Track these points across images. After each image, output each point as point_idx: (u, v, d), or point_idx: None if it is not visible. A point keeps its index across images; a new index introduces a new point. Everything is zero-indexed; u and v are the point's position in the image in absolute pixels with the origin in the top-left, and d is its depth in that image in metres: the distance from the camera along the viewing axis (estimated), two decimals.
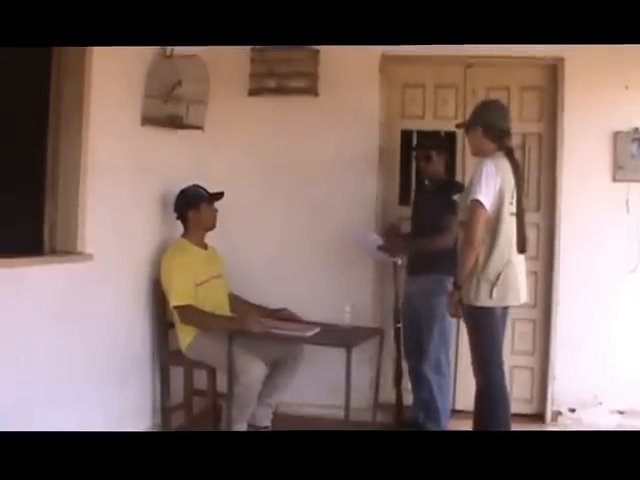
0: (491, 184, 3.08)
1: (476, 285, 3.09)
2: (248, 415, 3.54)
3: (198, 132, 3.89)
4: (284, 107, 4.29)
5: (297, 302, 3.88)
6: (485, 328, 3.16)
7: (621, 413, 4.05)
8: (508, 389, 3.28)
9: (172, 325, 3.68)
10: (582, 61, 3.95)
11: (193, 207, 3.70)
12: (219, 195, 3.76)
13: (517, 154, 3.43)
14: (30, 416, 2.76)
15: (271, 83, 4.27)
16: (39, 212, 3.16)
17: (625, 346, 4.04)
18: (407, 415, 3.97)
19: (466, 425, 3.38)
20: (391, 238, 3.97)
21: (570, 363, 4.07)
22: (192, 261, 3.64)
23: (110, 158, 3.32)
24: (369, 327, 3.88)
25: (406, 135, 4.35)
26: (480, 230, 3.07)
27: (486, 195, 3.07)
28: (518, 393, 4.06)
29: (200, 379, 3.76)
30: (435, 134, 4.24)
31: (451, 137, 4.22)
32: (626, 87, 3.99)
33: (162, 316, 3.73)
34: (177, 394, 3.77)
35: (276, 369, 3.64)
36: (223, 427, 3.55)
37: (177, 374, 3.76)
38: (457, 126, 3.66)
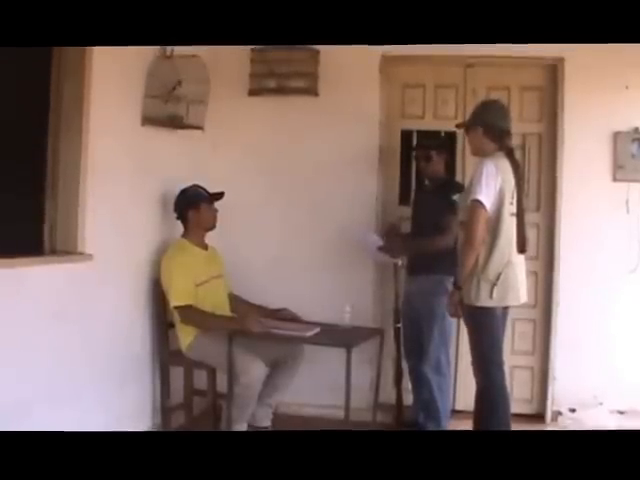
0: (491, 184, 3.08)
1: (476, 285, 3.09)
2: (248, 415, 3.55)
3: (198, 132, 3.89)
4: (284, 107, 4.29)
5: (297, 302, 3.88)
6: (485, 328, 3.17)
7: (621, 413, 4.05)
8: (508, 389, 3.28)
9: (172, 325, 3.69)
10: (582, 61, 3.95)
11: (193, 207, 3.70)
12: (219, 195, 3.76)
13: (517, 154, 3.43)
14: (30, 416, 2.76)
15: (271, 83, 4.27)
16: (39, 212, 3.16)
17: (625, 346, 4.05)
18: (407, 415, 3.97)
19: (466, 425, 3.38)
20: (391, 238, 3.97)
21: (570, 363, 4.07)
22: (192, 261, 3.64)
23: (110, 158, 3.32)
24: (369, 327, 3.88)
25: (406, 135, 4.35)
26: (480, 230, 3.07)
27: (486, 195, 3.07)
28: (518, 393, 4.07)
29: (200, 379, 3.76)
30: (435, 134, 4.24)
31: (451, 137, 4.22)
32: (626, 87, 3.99)
33: (162, 316, 3.73)
34: (177, 394, 3.77)
35: (276, 369, 3.64)
36: (223, 427, 3.55)
37: (177, 374, 3.76)
38: (457, 126, 3.66)
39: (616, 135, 4.04)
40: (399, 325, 3.98)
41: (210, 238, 3.84)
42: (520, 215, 3.17)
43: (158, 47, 3.56)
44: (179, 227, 3.77)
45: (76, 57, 3.10)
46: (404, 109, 4.35)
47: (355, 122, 4.22)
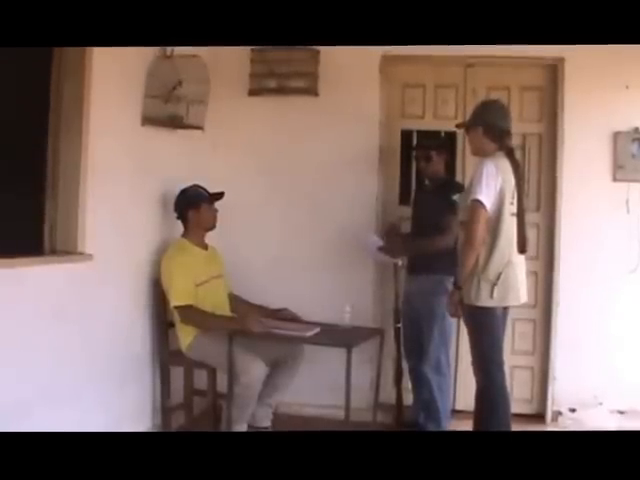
0: (491, 184, 3.08)
1: (477, 285, 3.09)
2: (248, 415, 3.54)
3: (198, 132, 3.89)
4: (284, 107, 4.29)
5: (297, 302, 3.88)
6: (485, 328, 3.16)
7: (621, 413, 4.05)
8: (508, 389, 3.28)
9: (172, 325, 3.69)
10: (582, 61, 3.95)
11: (193, 207, 3.70)
12: (219, 195, 3.76)
13: (517, 154, 3.43)
14: (30, 416, 2.76)
15: (271, 83, 4.27)
16: (39, 212, 3.16)
17: (625, 346, 4.04)
18: (407, 415, 3.97)
19: (466, 425, 3.38)
20: (391, 238, 3.97)
21: (570, 363, 4.07)
22: (192, 261, 3.64)
23: (110, 158, 3.32)
24: (369, 327, 3.88)
25: (406, 135, 4.35)
26: (481, 230, 3.07)
27: (486, 195, 3.07)
28: (518, 393, 4.07)
29: (200, 379, 3.76)
30: (435, 134, 4.24)
31: (451, 137, 4.22)
32: (626, 87, 3.99)
33: (162, 316, 3.73)
34: (177, 394, 3.77)
35: (276, 369, 3.64)
36: (223, 427, 3.55)
37: (177, 374, 3.76)
38: (457, 126, 3.66)
39: (616, 135, 4.04)
40: (399, 325, 3.98)
41: (210, 238, 3.84)
42: (520, 215, 3.17)
43: (158, 47, 3.56)
44: (179, 227, 3.77)
45: (76, 57, 3.10)
46: (404, 109, 4.35)
47: (355, 122, 4.22)
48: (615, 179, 4.05)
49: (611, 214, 4.05)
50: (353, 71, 4.20)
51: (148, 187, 3.71)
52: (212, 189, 3.76)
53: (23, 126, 3.08)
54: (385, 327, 3.95)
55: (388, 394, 4.03)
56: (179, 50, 3.54)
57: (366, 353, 3.83)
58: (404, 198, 4.34)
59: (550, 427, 4.08)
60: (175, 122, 3.74)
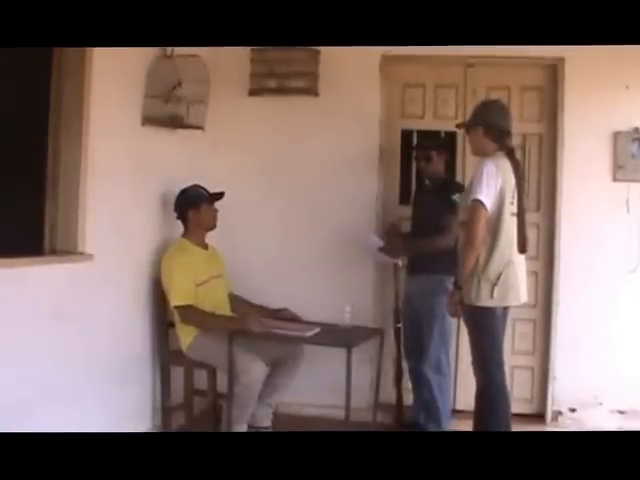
0: (492, 184, 3.08)
1: (477, 285, 3.09)
2: (248, 415, 3.55)
3: (198, 132, 3.89)
4: (284, 107, 4.29)
5: (297, 302, 3.88)
6: (486, 328, 3.16)
7: (621, 413, 4.05)
8: (508, 389, 3.28)
9: (172, 325, 3.69)
10: (582, 61, 3.95)
11: (193, 207, 3.70)
12: (219, 195, 3.76)
13: (517, 154, 3.43)
14: (30, 416, 2.76)
15: (271, 83, 4.27)
16: (39, 212, 3.16)
17: (625, 346, 4.04)
18: (407, 415, 3.97)
19: (466, 425, 3.38)
20: (391, 238, 3.97)
21: (570, 363, 4.07)
22: (192, 261, 3.64)
23: (110, 158, 3.32)
24: (369, 327, 3.88)
25: (406, 135, 4.35)
26: (481, 230, 3.07)
27: (487, 195, 3.07)
28: (518, 393, 4.07)
29: (200, 379, 3.76)
30: (435, 134, 4.24)
31: (451, 137, 4.22)
32: (626, 87, 3.99)
33: (162, 316, 3.73)
34: (177, 394, 3.77)
35: (276, 369, 3.64)
36: (223, 427, 3.55)
37: (177, 374, 3.76)
38: (458, 126, 3.66)
39: (616, 135, 4.03)
40: (399, 325, 3.98)
41: (210, 238, 3.84)
42: (521, 215, 3.17)
43: (158, 47, 3.55)
44: (179, 227, 3.77)
45: (76, 57, 3.10)
46: (404, 109, 4.35)
47: (355, 122, 4.22)
48: (615, 179, 4.05)
49: (611, 214, 4.05)
50: (353, 71, 4.20)
51: (148, 187, 3.71)
52: (212, 189, 3.76)
53: (23, 126, 3.08)
54: (385, 327, 3.96)
55: (388, 394, 4.03)
56: (179, 50, 3.54)
57: (366, 353, 3.83)
58: (404, 198, 4.34)
59: (550, 427, 4.08)
60: (175, 122, 3.74)
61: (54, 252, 3.17)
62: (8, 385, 2.71)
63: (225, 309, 3.78)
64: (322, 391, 4.01)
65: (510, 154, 3.22)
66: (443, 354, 3.80)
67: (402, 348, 3.98)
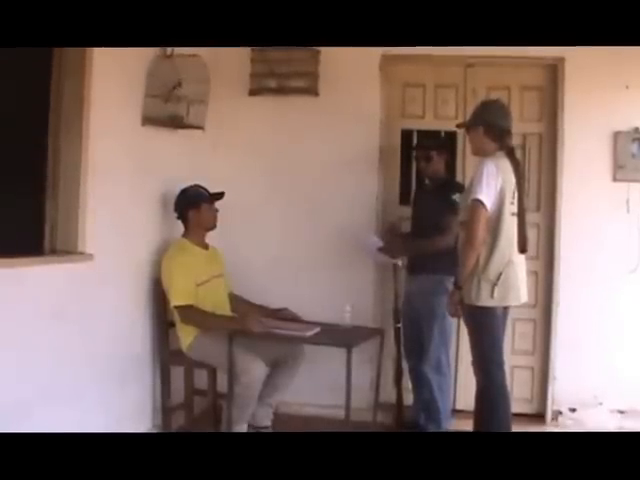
0: (492, 184, 3.08)
1: (477, 285, 3.09)
2: (248, 415, 3.55)
3: (198, 132, 3.88)
4: (284, 107, 4.29)
5: (297, 302, 3.88)
6: (486, 328, 3.16)
7: (621, 413, 4.05)
8: (508, 389, 3.28)
9: (173, 325, 3.68)
10: (582, 61, 3.95)
11: (194, 207, 3.70)
12: (219, 195, 3.76)
13: (517, 154, 3.43)
14: (30, 416, 2.76)
15: (271, 83, 4.27)
16: (40, 212, 3.16)
17: (625, 346, 4.04)
18: (407, 415, 3.97)
19: (466, 425, 3.38)
20: (391, 238, 3.97)
21: (570, 363, 4.07)
22: (193, 261, 3.64)
23: (110, 158, 3.32)
24: (369, 327, 3.88)
25: (406, 135, 4.35)
26: (481, 230, 3.07)
27: (487, 195, 3.07)
28: (518, 393, 4.06)
29: (201, 379, 3.76)
30: (435, 134, 4.24)
31: (451, 137, 4.22)
32: (626, 87, 3.99)
33: (163, 316, 3.73)
34: (178, 394, 3.76)
35: (276, 369, 3.64)
36: (224, 427, 3.55)
37: (178, 374, 3.76)
38: (458, 126, 3.66)
39: (616, 135, 4.03)
40: (399, 325, 3.98)
41: (210, 238, 3.84)
42: (521, 215, 3.17)
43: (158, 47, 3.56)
44: (179, 227, 3.77)
45: (76, 57, 3.10)
46: (404, 109, 4.35)
47: (355, 122, 4.22)
48: (615, 179, 4.05)
49: (611, 214, 4.05)
50: (353, 71, 4.20)
51: (148, 187, 3.71)
52: (212, 189, 3.76)
53: (23, 126, 3.08)
54: (385, 327, 3.96)
55: (388, 394, 4.03)
56: (179, 50, 3.54)
57: (366, 353, 3.83)
58: (404, 198, 4.34)
59: (550, 427, 4.08)
60: (175, 122, 3.74)
61: (54, 252, 3.16)
62: (8, 385, 2.71)
63: (225, 309, 3.78)
64: (322, 391, 4.01)
65: (510, 154, 3.22)
66: (443, 354, 3.80)
67: (402, 348, 3.98)
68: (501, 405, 3.17)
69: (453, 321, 3.69)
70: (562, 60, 4.04)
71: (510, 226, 3.13)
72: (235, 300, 3.88)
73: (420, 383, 3.85)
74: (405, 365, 3.97)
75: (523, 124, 4.06)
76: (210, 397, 3.75)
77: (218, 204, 3.78)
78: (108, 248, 3.29)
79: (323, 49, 4.12)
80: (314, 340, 3.49)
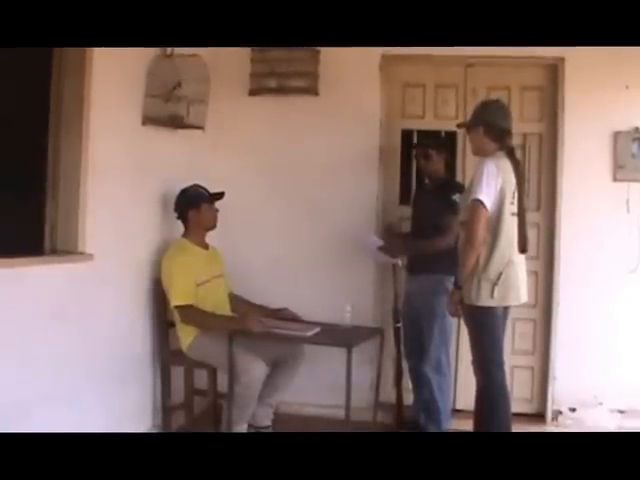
0: (492, 184, 3.08)
1: (477, 285, 3.09)
2: (249, 415, 3.55)
3: (199, 132, 3.88)
4: (284, 107, 4.29)
5: (297, 302, 3.88)
6: (486, 328, 3.17)
7: (621, 413, 4.05)
8: (508, 388, 3.28)
9: (173, 325, 3.69)
10: (582, 61, 3.95)
11: (194, 207, 3.70)
12: (220, 195, 3.76)
13: (518, 154, 3.43)
14: (30, 417, 2.76)
15: (272, 83, 4.27)
16: (40, 212, 3.16)
17: (625, 346, 4.04)
18: (408, 415, 3.97)
19: (466, 425, 3.38)
20: (391, 238, 3.97)
21: (570, 363, 4.07)
22: (193, 261, 3.64)
23: (111, 158, 3.32)
24: (369, 327, 3.88)
25: (406, 135, 4.35)
26: (481, 230, 3.07)
27: (487, 195, 3.07)
28: (518, 393, 4.06)
29: (201, 379, 3.76)
30: (435, 133, 4.24)
31: (452, 137, 4.21)
32: (626, 87, 3.99)
33: (163, 316, 3.73)
34: (178, 394, 3.77)
35: (277, 369, 3.64)
36: (224, 427, 3.55)
37: (178, 374, 3.76)
38: (458, 126, 3.66)
39: (616, 135, 4.03)
40: (399, 325, 3.98)
41: (210, 238, 3.84)
42: (521, 215, 3.17)
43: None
44: (179, 227, 3.77)
45: (76, 57, 3.10)
46: (404, 109, 4.35)
47: (355, 122, 4.22)
48: (615, 179, 4.05)
49: (611, 214, 4.05)
50: (353, 71, 4.20)
51: (148, 187, 3.71)
52: (212, 189, 3.76)
53: (23, 126, 3.08)
54: (385, 327, 3.95)
55: (388, 394, 4.03)
56: (179, 50, 3.54)
57: (366, 353, 3.83)
58: (404, 198, 4.34)
59: (550, 427, 4.08)
60: (175, 122, 3.74)
61: (54, 252, 3.16)
62: (8, 385, 2.71)
63: (225, 309, 3.78)
64: (322, 391, 4.01)
65: (510, 154, 3.22)
66: (443, 354, 3.80)
67: (402, 348, 3.98)
68: (501, 405, 3.17)
69: (453, 321, 3.69)
70: (562, 60, 4.04)
71: (510, 226, 3.13)
72: (235, 300, 3.88)
73: (420, 383, 3.85)
74: (405, 365, 3.97)
75: (523, 124, 4.06)
76: (210, 397, 3.75)
77: (218, 204, 3.78)
78: (108, 248, 3.29)
79: (323, 49, 4.12)
80: (314, 340, 3.49)
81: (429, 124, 4.31)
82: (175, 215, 3.76)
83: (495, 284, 3.08)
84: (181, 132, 3.85)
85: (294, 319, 3.72)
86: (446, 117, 4.24)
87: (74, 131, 3.14)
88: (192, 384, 3.77)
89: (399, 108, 4.35)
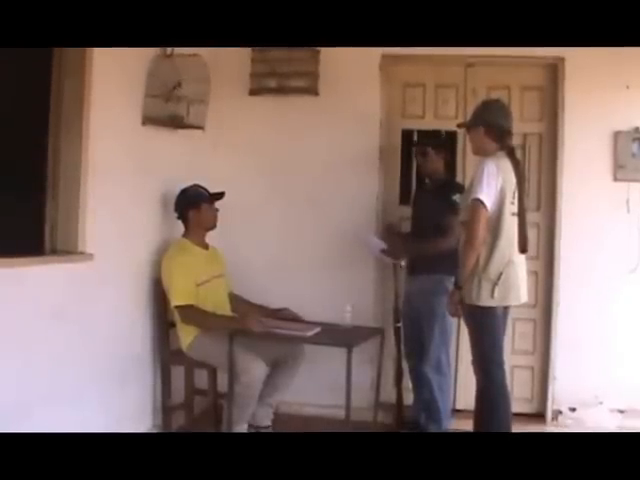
0: (492, 184, 3.08)
1: (477, 285, 3.09)
2: (249, 415, 3.55)
3: (199, 132, 3.89)
4: (284, 107, 4.29)
5: (298, 302, 3.88)
6: (486, 328, 3.17)
7: (621, 412, 4.05)
8: (509, 388, 3.28)
9: (173, 325, 3.69)
10: (582, 61, 3.94)
11: (194, 207, 3.70)
12: (220, 195, 3.76)
13: (518, 154, 3.43)
14: (30, 417, 2.76)
15: (272, 83, 4.27)
16: (40, 212, 3.16)
17: (625, 346, 4.04)
18: (408, 415, 3.97)
19: (466, 425, 3.38)
20: (391, 239, 3.97)
21: (570, 363, 4.07)
22: (193, 261, 3.64)
23: (111, 158, 3.32)
24: (370, 327, 3.87)
25: (407, 134, 4.35)
26: (481, 230, 3.07)
27: (487, 195, 3.07)
28: (519, 392, 4.06)
29: (201, 379, 3.76)
30: (435, 133, 4.22)
31: (452, 137, 4.21)
32: (626, 87, 3.99)
33: (163, 316, 3.73)
34: (178, 394, 3.77)
35: (277, 369, 3.64)
36: (224, 427, 3.55)
37: (178, 374, 3.76)
38: (458, 126, 3.66)
39: (616, 135, 4.03)
40: (399, 325, 3.98)
41: (210, 238, 3.84)
42: (521, 215, 3.17)
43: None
44: (179, 227, 3.77)
45: (76, 57, 3.10)
46: (405, 108, 4.35)
47: (355, 121, 4.22)
48: (615, 179, 4.05)
49: (611, 214, 4.05)
50: (353, 71, 4.20)
51: (148, 187, 3.71)
52: (212, 189, 3.76)
53: (24, 126, 3.08)
54: (386, 327, 3.95)
55: (388, 394, 4.03)
56: (179, 50, 3.54)
57: (367, 353, 3.83)
58: (404, 198, 4.34)
59: (550, 426, 4.08)
60: (176, 122, 3.74)
61: (54, 252, 3.16)
62: (8, 385, 2.71)
63: (225, 309, 3.78)
64: (322, 391, 4.01)
65: (511, 154, 3.22)
66: (443, 354, 3.80)
67: (402, 348, 3.98)
68: (501, 405, 3.17)
69: (453, 321, 3.70)
70: (562, 60, 4.04)
71: (510, 226, 3.13)
72: (235, 300, 3.88)
73: (420, 383, 3.85)
74: (405, 365, 3.97)
75: (523, 124, 4.06)
76: (210, 397, 3.75)
77: (218, 204, 3.78)
78: (108, 248, 3.29)
79: (323, 49, 4.12)
80: (314, 340, 3.49)
81: (429, 124, 4.30)
82: (175, 215, 3.76)
83: (495, 284, 3.09)
84: (181, 132, 3.85)
85: (294, 319, 3.72)
86: (446, 117, 4.24)
87: (74, 131, 3.14)
88: (192, 384, 3.77)
89: (399, 108, 4.35)
